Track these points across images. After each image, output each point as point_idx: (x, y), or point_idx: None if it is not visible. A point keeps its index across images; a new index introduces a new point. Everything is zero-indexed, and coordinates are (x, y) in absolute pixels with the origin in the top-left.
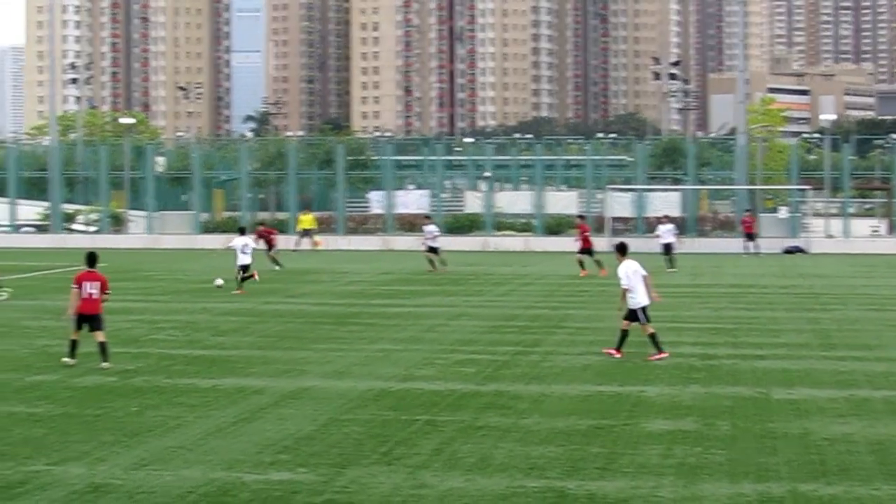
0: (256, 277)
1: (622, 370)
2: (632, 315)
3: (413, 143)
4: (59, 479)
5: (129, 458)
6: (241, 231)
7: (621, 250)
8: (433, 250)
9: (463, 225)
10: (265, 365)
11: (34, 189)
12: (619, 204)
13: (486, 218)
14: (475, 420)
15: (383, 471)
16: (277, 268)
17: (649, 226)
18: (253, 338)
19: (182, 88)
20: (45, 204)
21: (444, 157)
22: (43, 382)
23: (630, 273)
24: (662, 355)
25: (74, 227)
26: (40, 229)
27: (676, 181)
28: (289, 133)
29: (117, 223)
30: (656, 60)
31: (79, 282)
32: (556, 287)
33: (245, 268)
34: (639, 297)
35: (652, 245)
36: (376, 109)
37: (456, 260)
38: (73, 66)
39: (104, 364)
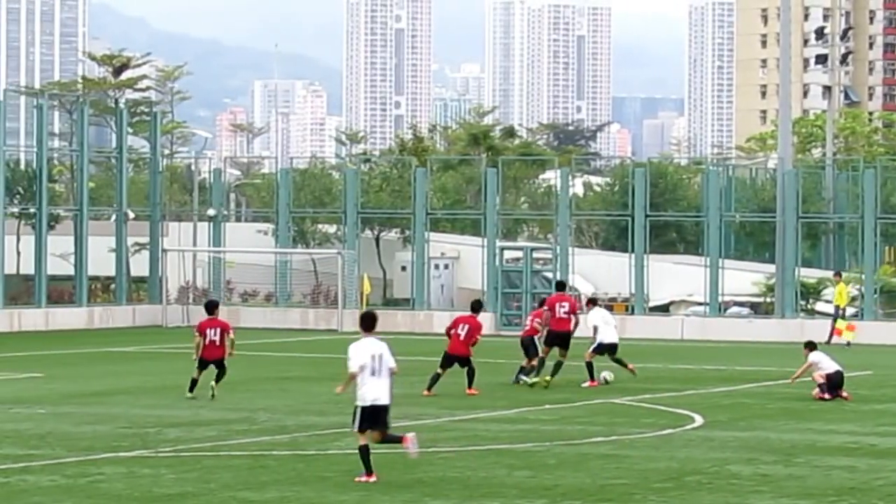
0: None
1: None
2: None
3: None
4: None
5: None
6: None
7: None
8: None
9: None
10: None
11: (748, 242)
12: None
13: None
14: None
15: None
16: None
17: None
18: None
19: None
20: (767, 268)
21: None
22: None
23: None
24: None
25: (819, 307)
26: (757, 309)
27: None
28: None
29: (893, 303)
30: None
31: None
32: None
33: None
34: None
35: None
36: None
37: None
38: (819, 35)
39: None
